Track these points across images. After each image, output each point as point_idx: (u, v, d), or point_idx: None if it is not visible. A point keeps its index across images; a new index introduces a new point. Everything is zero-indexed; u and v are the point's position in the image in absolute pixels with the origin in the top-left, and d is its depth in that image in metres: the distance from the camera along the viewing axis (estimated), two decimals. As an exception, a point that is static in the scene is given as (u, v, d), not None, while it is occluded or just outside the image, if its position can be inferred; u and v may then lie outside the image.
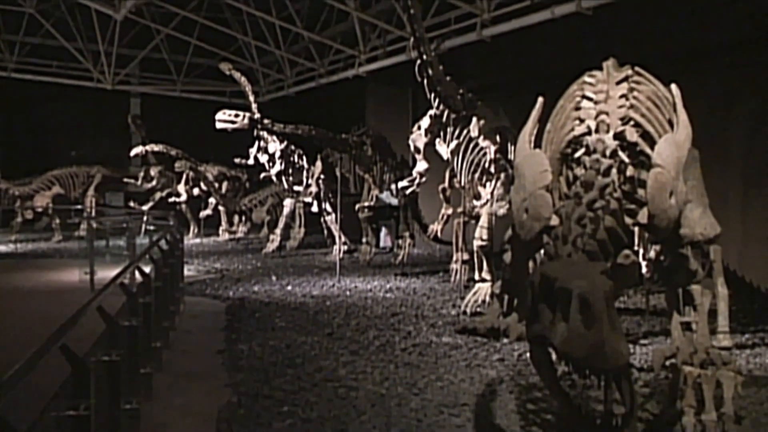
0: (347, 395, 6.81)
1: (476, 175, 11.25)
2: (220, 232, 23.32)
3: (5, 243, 20.81)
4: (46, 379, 3.71)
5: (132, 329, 5.42)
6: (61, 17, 25.01)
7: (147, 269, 7.42)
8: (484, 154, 11.02)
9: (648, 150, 5.29)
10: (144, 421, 5.90)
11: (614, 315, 4.23)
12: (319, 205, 18.06)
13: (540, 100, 5.72)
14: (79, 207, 22.72)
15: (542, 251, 5.08)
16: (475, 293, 10.97)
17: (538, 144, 5.70)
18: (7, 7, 24.28)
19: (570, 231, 4.76)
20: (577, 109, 5.84)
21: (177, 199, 23.73)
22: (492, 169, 10.93)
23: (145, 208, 22.39)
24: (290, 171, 18.15)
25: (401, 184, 14.09)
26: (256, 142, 18.09)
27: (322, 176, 17.87)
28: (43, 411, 3.44)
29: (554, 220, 4.82)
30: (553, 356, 4.67)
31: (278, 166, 18.06)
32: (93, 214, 22.33)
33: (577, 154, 5.35)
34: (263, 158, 18.13)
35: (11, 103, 29.45)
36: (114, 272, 13.34)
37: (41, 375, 3.55)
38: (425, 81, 10.98)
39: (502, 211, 10.49)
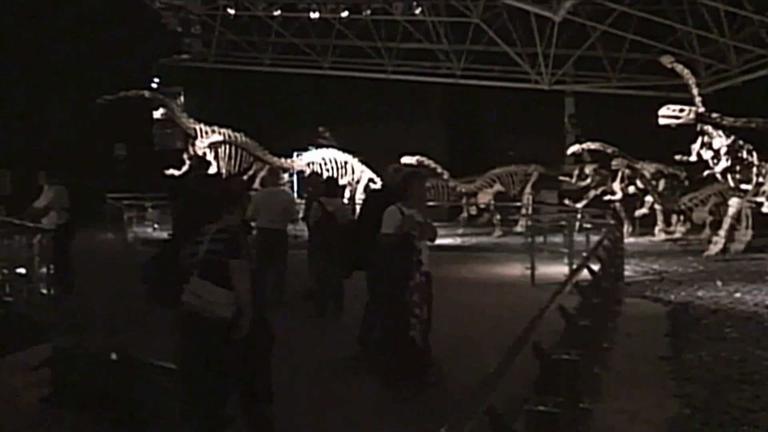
0: (821, 423, 6.02)
1: None
2: (656, 231, 22.40)
3: (452, 236, 22.73)
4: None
5: (587, 329, 5.47)
6: (502, 24, 26.55)
7: (594, 268, 7.45)
8: None
9: None
10: (594, 422, 5.91)
11: None
12: (773, 205, 16.37)
13: None
14: (517, 204, 23.88)
15: None
16: None
17: None
18: (455, 19, 26.64)
19: None
20: None
21: (611, 197, 23.49)
22: None
23: (579, 206, 22.58)
24: (737, 168, 16.78)
25: None
26: (699, 138, 17.09)
27: (777, 174, 16.20)
28: (521, 404, 3.62)
29: None
30: None
31: (723, 163, 16.82)
32: (530, 211, 23.28)
33: None
34: (707, 155, 17.04)
35: (457, 107, 32.29)
36: (552, 268, 13.77)
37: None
38: None
39: None
